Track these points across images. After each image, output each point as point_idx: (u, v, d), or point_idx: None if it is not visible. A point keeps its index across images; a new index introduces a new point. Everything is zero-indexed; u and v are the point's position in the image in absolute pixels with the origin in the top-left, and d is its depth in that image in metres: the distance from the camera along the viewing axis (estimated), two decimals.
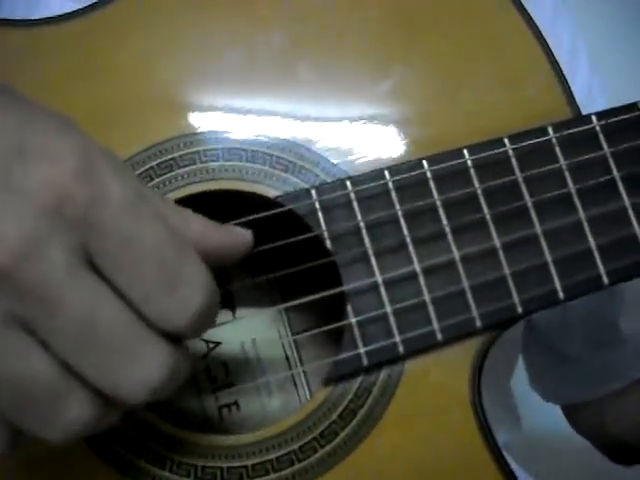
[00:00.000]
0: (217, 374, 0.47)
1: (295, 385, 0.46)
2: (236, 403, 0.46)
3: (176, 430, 0.38)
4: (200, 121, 0.40)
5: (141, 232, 0.27)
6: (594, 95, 0.59)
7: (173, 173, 0.40)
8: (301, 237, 0.38)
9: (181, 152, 0.40)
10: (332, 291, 0.38)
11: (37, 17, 0.41)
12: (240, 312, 0.47)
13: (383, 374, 0.38)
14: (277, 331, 0.47)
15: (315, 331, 0.43)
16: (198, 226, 0.31)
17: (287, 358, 0.47)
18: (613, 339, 0.60)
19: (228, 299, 0.47)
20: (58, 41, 0.41)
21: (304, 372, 0.46)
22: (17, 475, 0.36)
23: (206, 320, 0.30)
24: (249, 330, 0.47)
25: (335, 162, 0.40)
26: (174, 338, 0.29)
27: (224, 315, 0.47)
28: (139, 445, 0.37)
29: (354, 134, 0.40)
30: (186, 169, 0.40)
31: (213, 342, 0.47)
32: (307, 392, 0.46)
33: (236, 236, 0.33)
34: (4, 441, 0.29)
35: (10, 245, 0.25)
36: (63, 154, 0.27)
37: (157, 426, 0.38)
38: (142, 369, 0.28)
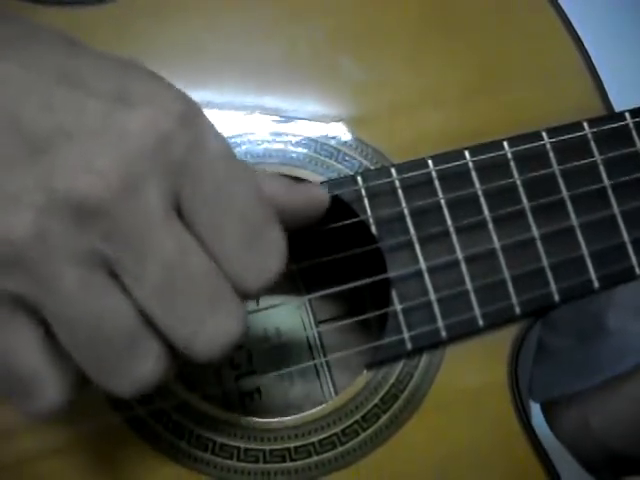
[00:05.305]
0: (240, 361, 0.46)
1: (317, 373, 0.47)
2: (258, 390, 0.46)
3: (218, 412, 0.38)
4: (244, 105, 0.40)
5: (234, 185, 0.27)
6: None
7: None
8: (348, 221, 0.39)
9: (225, 136, 0.40)
10: (377, 277, 0.39)
11: None
12: (263, 299, 0.47)
13: (424, 359, 0.39)
14: (300, 318, 0.48)
15: (344, 322, 0.44)
16: (277, 183, 0.31)
17: (310, 346, 0.47)
18: (598, 332, 0.60)
19: None
20: (94, 23, 0.40)
21: (327, 361, 0.46)
22: (60, 455, 0.36)
23: (268, 287, 0.29)
24: (272, 317, 0.47)
25: (378, 150, 0.41)
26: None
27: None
28: (180, 427, 0.37)
29: (396, 124, 0.41)
30: None
31: None
32: (329, 380, 0.46)
33: (313, 196, 0.32)
34: (67, 387, 0.27)
35: (109, 182, 0.24)
36: (167, 98, 0.26)
37: (198, 408, 0.38)
38: (222, 323, 0.27)
